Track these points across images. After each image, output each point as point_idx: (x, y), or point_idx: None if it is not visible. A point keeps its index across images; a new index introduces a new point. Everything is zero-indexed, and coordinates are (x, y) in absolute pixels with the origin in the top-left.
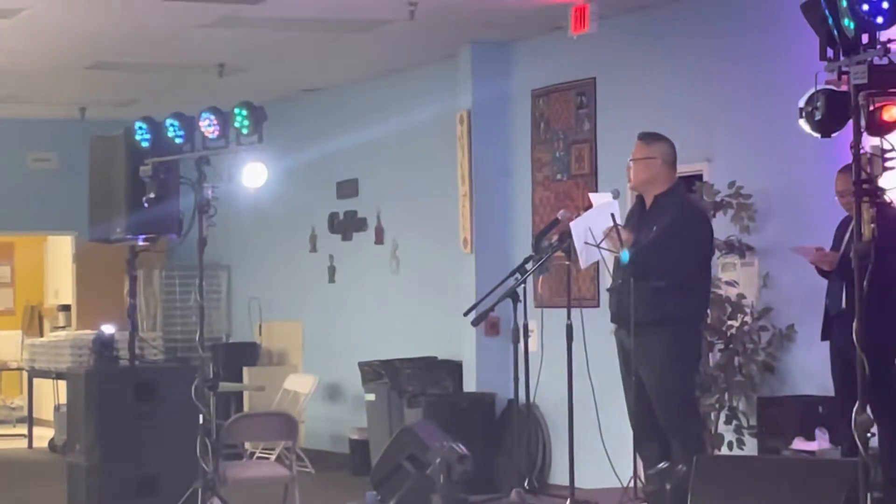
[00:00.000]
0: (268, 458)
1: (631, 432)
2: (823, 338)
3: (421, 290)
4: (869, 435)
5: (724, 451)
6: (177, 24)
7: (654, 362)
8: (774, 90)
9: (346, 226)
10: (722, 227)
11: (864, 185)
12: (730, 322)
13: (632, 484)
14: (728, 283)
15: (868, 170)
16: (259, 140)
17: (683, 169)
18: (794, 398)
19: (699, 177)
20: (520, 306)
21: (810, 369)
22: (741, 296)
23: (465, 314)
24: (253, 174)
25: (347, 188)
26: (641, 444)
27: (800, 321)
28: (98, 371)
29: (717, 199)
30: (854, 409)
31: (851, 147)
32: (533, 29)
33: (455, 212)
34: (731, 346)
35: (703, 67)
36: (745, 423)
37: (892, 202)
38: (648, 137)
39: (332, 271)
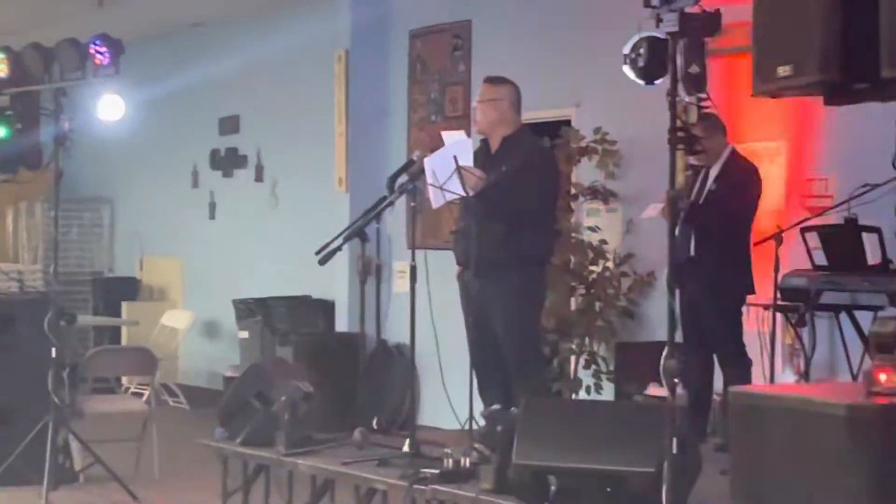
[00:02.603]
0: (143, 394)
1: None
2: (671, 285)
3: (298, 228)
4: (675, 381)
5: (583, 395)
6: None
7: (499, 304)
8: None
9: (227, 162)
10: (587, 172)
11: (679, 134)
12: (591, 267)
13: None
14: (590, 229)
15: (684, 118)
16: (115, 72)
17: (551, 114)
18: (652, 344)
19: (567, 122)
20: (371, 245)
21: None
22: (603, 241)
23: (317, 253)
24: (109, 107)
25: (229, 125)
26: (484, 388)
27: (660, 268)
28: None
29: (583, 144)
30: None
31: (668, 95)
32: None
33: (332, 151)
34: (592, 291)
35: (571, 12)
36: (603, 368)
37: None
38: (495, 80)
39: (212, 207)
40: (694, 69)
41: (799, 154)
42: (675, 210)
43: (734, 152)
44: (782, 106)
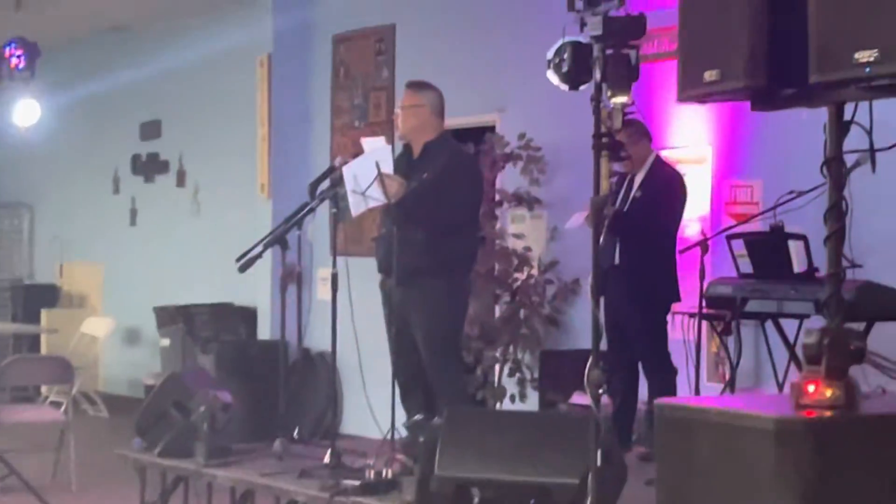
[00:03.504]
0: (62, 403)
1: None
2: (595, 293)
3: (220, 234)
4: (600, 391)
5: (507, 403)
6: None
7: (421, 312)
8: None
9: (148, 168)
10: (511, 179)
11: (604, 139)
12: (516, 275)
13: (390, 436)
14: (515, 236)
15: (608, 123)
16: (31, 76)
17: (476, 120)
18: (577, 352)
19: (492, 128)
20: (291, 253)
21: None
22: (528, 248)
23: (238, 260)
24: (25, 111)
25: (150, 129)
26: (407, 398)
27: (585, 275)
28: None
29: (508, 150)
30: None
31: (592, 100)
32: None
33: (255, 156)
34: (516, 298)
35: (495, 17)
36: (528, 377)
37: (665, 160)
38: (417, 86)
39: (133, 213)
40: (618, 74)
41: (724, 160)
42: (599, 217)
43: (659, 159)
44: (707, 112)
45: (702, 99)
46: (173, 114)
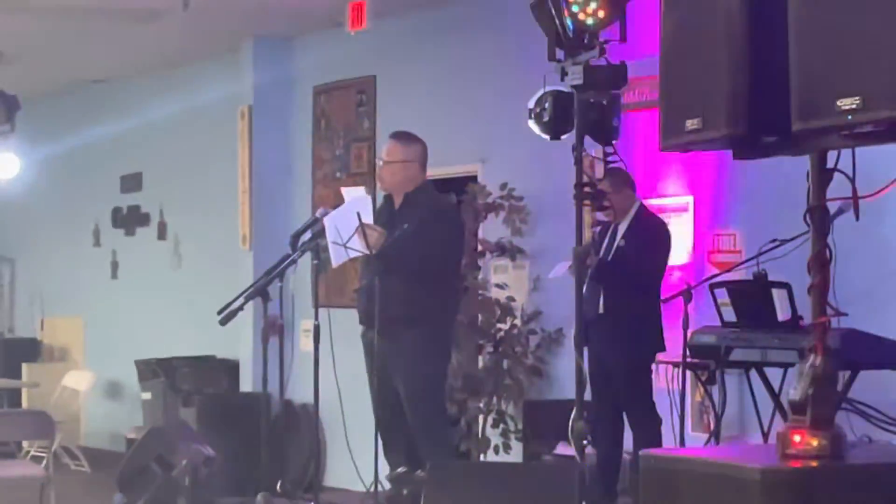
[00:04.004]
0: (43, 458)
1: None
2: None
3: (201, 287)
4: (584, 442)
5: (491, 455)
6: None
7: (403, 363)
8: None
9: (129, 220)
10: (493, 229)
11: (586, 189)
12: (499, 325)
13: (373, 488)
14: (498, 286)
15: (590, 173)
16: (11, 130)
17: (457, 170)
18: (561, 402)
19: (473, 178)
20: (274, 305)
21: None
22: (511, 298)
23: (219, 313)
24: (4, 165)
25: (131, 182)
26: (390, 450)
27: (568, 325)
28: None
29: (490, 200)
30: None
31: (574, 149)
32: (315, 24)
33: (236, 208)
34: (500, 349)
35: (476, 67)
36: (512, 427)
37: (649, 211)
38: (405, 138)
39: (114, 266)
40: (599, 123)
41: (707, 209)
42: (581, 266)
43: (643, 207)
44: (690, 160)
45: (684, 148)
46: (154, 166)
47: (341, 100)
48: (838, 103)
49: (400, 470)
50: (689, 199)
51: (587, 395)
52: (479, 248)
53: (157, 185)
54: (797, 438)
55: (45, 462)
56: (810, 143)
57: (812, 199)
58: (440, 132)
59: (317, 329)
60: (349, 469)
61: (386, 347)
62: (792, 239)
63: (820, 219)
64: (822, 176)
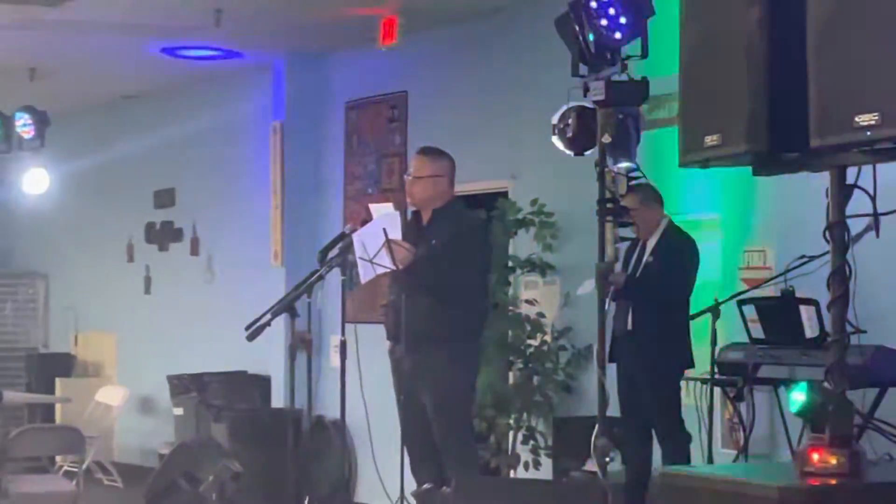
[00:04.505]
0: (75, 472)
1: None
2: (610, 359)
3: (233, 302)
4: (607, 459)
5: (521, 471)
6: None
7: (429, 379)
8: None
9: (162, 236)
10: (524, 245)
11: (608, 205)
12: (529, 341)
13: None
14: (528, 302)
15: (613, 189)
16: (41, 145)
17: (488, 186)
18: (590, 418)
19: (504, 194)
20: (301, 320)
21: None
22: (541, 314)
23: (247, 328)
24: (34, 180)
25: (164, 198)
26: (417, 466)
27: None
28: None
29: (520, 216)
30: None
31: (596, 165)
32: (347, 40)
33: (268, 224)
34: (529, 365)
35: (508, 82)
36: (541, 444)
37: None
38: (433, 154)
39: (147, 282)
40: (622, 138)
41: (736, 225)
42: (604, 283)
43: (671, 224)
44: (718, 176)
45: (703, 164)
46: (187, 181)
47: (373, 115)
48: (856, 119)
49: (426, 486)
50: (718, 216)
51: (617, 412)
52: (510, 263)
53: (191, 200)
54: (815, 456)
55: (75, 478)
56: (829, 159)
57: (832, 215)
58: (471, 148)
59: (343, 344)
60: (376, 485)
61: (413, 363)
62: (820, 255)
63: (840, 236)
64: (842, 192)
